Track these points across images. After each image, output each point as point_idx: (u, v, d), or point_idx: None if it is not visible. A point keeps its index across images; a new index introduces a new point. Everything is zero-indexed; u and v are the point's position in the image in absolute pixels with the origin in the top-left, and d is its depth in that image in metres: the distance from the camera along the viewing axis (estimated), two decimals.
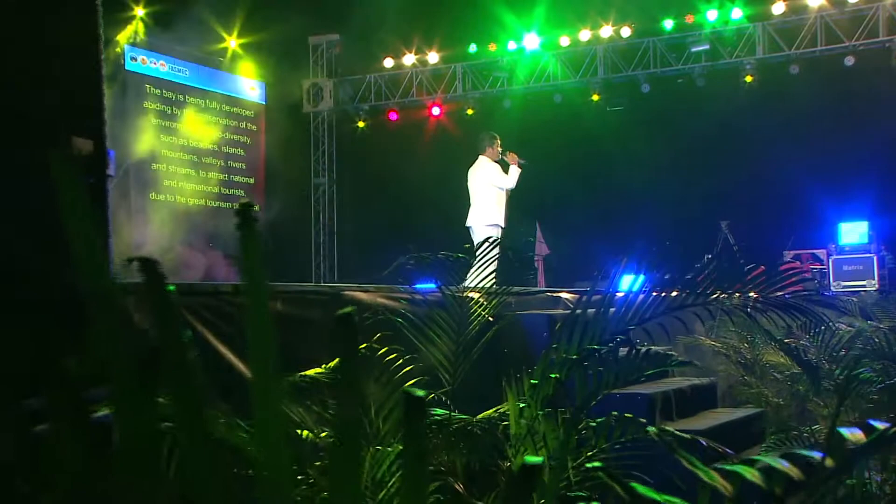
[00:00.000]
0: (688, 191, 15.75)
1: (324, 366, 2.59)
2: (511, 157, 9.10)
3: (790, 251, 15.42)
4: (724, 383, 5.92)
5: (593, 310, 3.01)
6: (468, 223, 9.09)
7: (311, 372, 2.29)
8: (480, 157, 9.25)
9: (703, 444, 3.61)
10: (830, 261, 13.92)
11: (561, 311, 4.85)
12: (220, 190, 16.26)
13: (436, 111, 18.05)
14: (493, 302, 3.35)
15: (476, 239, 8.96)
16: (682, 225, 15.72)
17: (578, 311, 2.68)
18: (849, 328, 6.74)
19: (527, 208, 16.92)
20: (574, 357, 2.45)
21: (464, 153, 13.78)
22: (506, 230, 9.44)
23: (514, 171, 8.99)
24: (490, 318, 4.40)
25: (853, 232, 13.94)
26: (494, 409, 2.73)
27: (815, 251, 15.18)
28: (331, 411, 2.10)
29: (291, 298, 3.41)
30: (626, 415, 2.63)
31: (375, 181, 17.90)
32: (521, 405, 2.42)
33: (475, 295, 4.55)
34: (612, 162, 16.52)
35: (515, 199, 16.62)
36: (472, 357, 2.99)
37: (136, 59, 14.66)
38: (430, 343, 2.79)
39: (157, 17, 14.46)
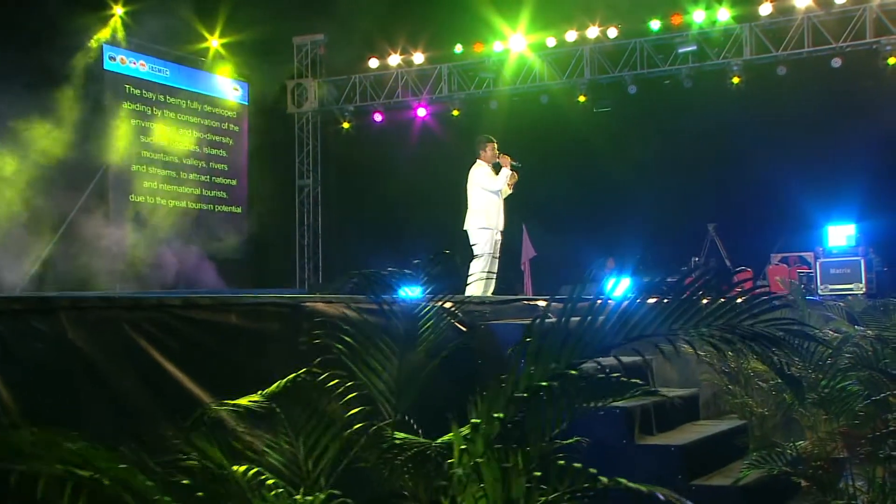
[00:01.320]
0: (675, 193, 15.61)
1: (278, 383, 2.42)
2: (504, 160, 8.97)
3: (777, 253, 15.32)
4: (707, 392, 5.77)
5: (578, 318, 2.80)
6: (465, 227, 8.99)
7: (243, 400, 2.09)
8: (477, 160, 9.13)
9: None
10: (818, 264, 13.79)
11: (549, 320, 4.70)
12: (201, 192, 16.03)
13: (421, 112, 17.88)
14: (447, 315, 3.14)
15: (471, 242, 8.84)
16: (670, 227, 15.59)
17: (542, 325, 2.49)
18: (836, 334, 6.61)
19: (513, 211, 16.77)
20: (540, 383, 2.26)
21: (449, 154, 13.67)
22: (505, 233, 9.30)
23: (504, 174, 8.85)
24: (463, 329, 4.23)
25: (840, 235, 13.83)
26: (450, 434, 2.53)
27: (802, 254, 15.07)
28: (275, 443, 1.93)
29: (247, 311, 3.24)
30: (574, 465, 2.37)
31: (360, 182, 17.74)
32: (462, 445, 2.21)
33: (447, 305, 4.37)
34: (598, 163, 16.38)
35: (503, 200, 16.58)
36: (418, 380, 2.79)
37: (114, 59, 14.41)
38: (368, 368, 2.58)
39: (137, 16, 14.22)
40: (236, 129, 16.85)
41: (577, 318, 2.52)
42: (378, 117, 18.16)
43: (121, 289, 13.05)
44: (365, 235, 16.95)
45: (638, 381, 2.46)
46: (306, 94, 18.25)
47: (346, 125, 18.29)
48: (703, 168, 15.54)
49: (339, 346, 2.45)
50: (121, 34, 14.36)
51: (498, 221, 8.79)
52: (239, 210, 16.77)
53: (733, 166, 15.26)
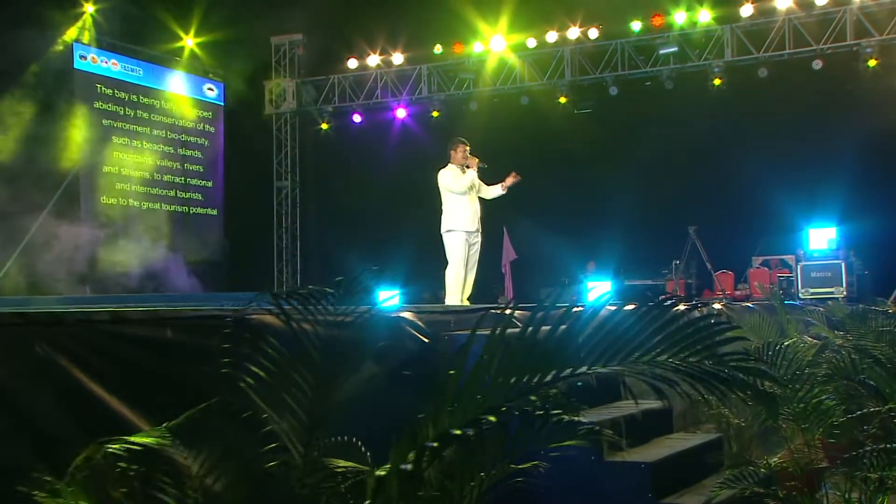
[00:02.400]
0: (656, 195, 15.50)
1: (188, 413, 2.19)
2: (472, 161, 8.75)
3: (759, 256, 15.23)
4: (683, 402, 5.61)
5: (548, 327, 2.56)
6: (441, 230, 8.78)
7: (138, 437, 1.88)
8: (449, 162, 8.92)
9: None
10: (799, 267, 13.70)
11: (513, 332, 4.50)
12: (175, 193, 15.74)
13: (401, 113, 17.70)
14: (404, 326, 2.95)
15: (445, 246, 8.64)
16: (651, 229, 15.47)
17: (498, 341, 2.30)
18: (814, 342, 6.46)
19: (493, 213, 16.61)
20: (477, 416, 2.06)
21: (429, 156, 13.45)
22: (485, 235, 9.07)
23: (469, 175, 8.64)
24: (425, 340, 4.05)
25: (821, 237, 13.74)
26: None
27: (783, 257, 14.98)
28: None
29: (184, 325, 3.03)
30: None
31: (339, 184, 17.54)
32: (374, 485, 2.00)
33: (407, 315, 4.20)
34: (579, 165, 16.27)
35: (483, 202, 16.40)
36: (364, 397, 2.58)
37: (85, 58, 14.09)
38: (297, 389, 2.35)
39: (109, 14, 13.93)
40: (211, 129, 16.56)
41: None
42: (357, 118, 17.96)
43: (90, 293, 12.79)
44: (344, 238, 16.74)
45: (580, 420, 2.27)
46: (285, 95, 18.04)
47: (324, 126, 18.08)
48: (684, 170, 15.44)
49: (255, 369, 2.22)
50: (91, 33, 14.05)
51: (470, 224, 8.57)
52: (214, 212, 16.49)
53: (715, 168, 15.15)
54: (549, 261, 16.39)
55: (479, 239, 8.67)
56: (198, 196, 16.11)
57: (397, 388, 3.78)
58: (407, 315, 3.86)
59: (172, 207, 15.44)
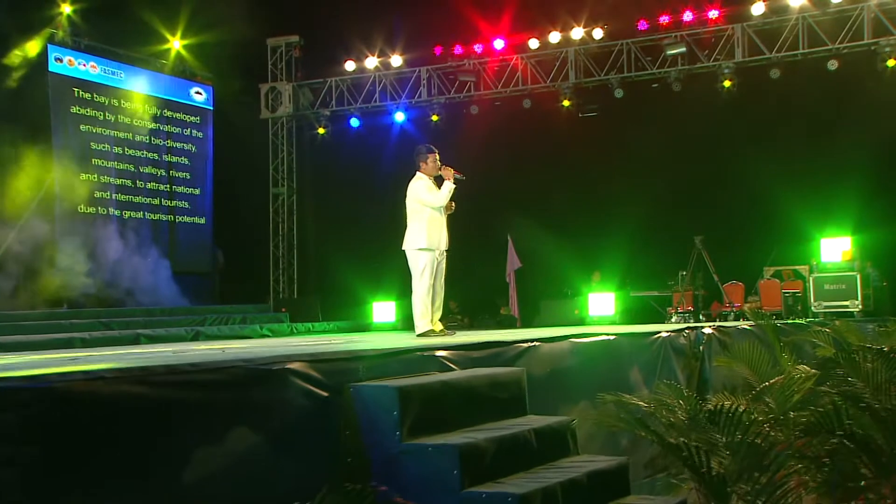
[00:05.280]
0: (663, 201, 14.92)
1: None
2: (446, 172, 8.09)
3: (771, 267, 14.53)
4: (645, 453, 4.97)
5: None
6: (403, 247, 8.08)
7: None
8: (417, 173, 8.25)
9: None
10: (811, 279, 12.97)
11: (433, 378, 3.88)
12: (160, 202, 15.16)
13: (400, 117, 17.13)
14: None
15: (410, 264, 7.98)
16: (657, 237, 14.86)
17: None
18: (809, 372, 5.78)
19: (497, 221, 16.08)
20: None
21: None
22: (449, 253, 8.37)
23: (447, 188, 7.97)
24: (323, 393, 3.44)
25: (835, 248, 13.00)
26: None
27: (797, 267, 14.27)
28: None
29: None
30: None
31: (337, 190, 17.00)
32: None
33: (297, 366, 3.60)
34: (583, 171, 15.67)
35: (486, 211, 15.89)
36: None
37: (61, 60, 13.50)
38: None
39: (88, 15, 13.35)
40: (199, 134, 15.97)
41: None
42: (355, 122, 17.41)
43: (67, 308, 12.29)
44: (342, 246, 16.22)
45: None
46: (281, 98, 17.53)
47: (321, 130, 17.54)
48: (692, 176, 14.87)
49: None
50: (67, 34, 13.50)
51: (440, 241, 7.91)
52: (203, 221, 15.90)
53: (724, 174, 14.57)
54: (551, 271, 15.79)
55: (444, 258, 8.02)
56: (184, 204, 15.53)
57: (285, 454, 3.19)
58: (296, 366, 3.25)
59: (157, 216, 14.85)
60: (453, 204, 8.12)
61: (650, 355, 6.03)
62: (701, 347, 6.85)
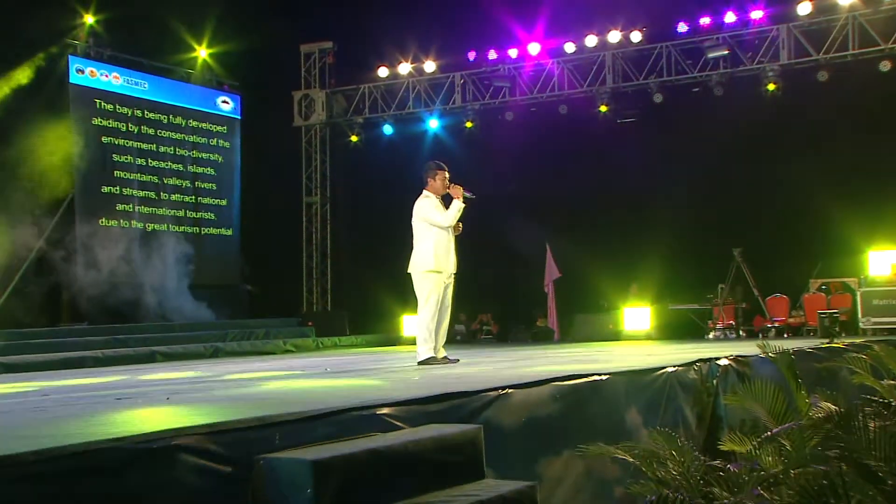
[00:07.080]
0: (704, 211, 14.35)
1: None
2: (455, 191, 7.65)
3: (817, 279, 13.85)
4: (569, 474, 4.51)
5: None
6: (408, 270, 7.68)
7: None
8: (423, 190, 7.84)
9: None
10: (859, 294, 12.27)
11: (360, 446, 3.46)
12: (185, 213, 15.00)
13: (434, 124, 16.78)
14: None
15: (415, 287, 7.58)
16: (697, 248, 14.26)
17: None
18: (829, 409, 5.23)
19: (534, 229, 15.62)
20: None
21: (463, 169, 12.49)
22: (469, 271, 7.95)
23: (455, 207, 7.54)
24: (225, 469, 3.03)
25: (885, 261, 12.28)
26: None
27: (846, 280, 13.56)
28: None
29: None
30: None
31: (369, 199, 16.70)
32: None
33: (188, 441, 3.18)
34: (621, 179, 15.10)
35: (522, 219, 15.44)
36: None
37: (82, 72, 13.39)
38: None
39: (112, 25, 13.24)
40: (226, 144, 15.78)
41: None
42: (388, 129, 17.09)
43: (88, 324, 12.16)
44: (373, 255, 15.89)
45: None
46: (314, 106, 17.30)
47: (354, 138, 17.27)
48: (735, 183, 14.34)
49: None
50: (89, 45, 13.40)
51: (448, 264, 7.48)
52: (230, 232, 15.70)
53: (767, 182, 13.99)
54: (588, 283, 15.26)
55: (452, 281, 7.60)
56: (210, 216, 15.34)
57: None
58: (187, 441, 2.86)
59: (182, 228, 14.67)
60: (461, 225, 7.69)
61: (652, 394, 5.53)
62: (715, 381, 6.31)
